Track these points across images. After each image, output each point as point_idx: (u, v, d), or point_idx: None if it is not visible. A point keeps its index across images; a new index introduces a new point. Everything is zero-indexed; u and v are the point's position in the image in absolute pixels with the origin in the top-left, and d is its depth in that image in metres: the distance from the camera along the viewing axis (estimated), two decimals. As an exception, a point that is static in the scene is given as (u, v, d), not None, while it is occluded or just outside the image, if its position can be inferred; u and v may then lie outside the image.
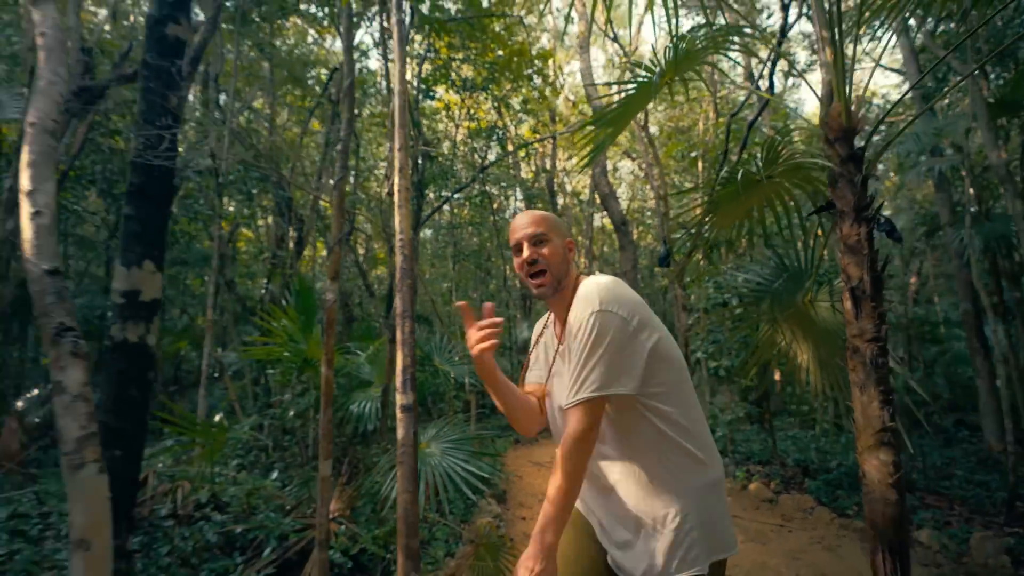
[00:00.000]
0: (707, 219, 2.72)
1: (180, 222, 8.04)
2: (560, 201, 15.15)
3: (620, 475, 1.26)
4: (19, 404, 5.87)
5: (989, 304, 5.71)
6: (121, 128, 7.42)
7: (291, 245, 8.23)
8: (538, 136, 11.14)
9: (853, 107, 1.73)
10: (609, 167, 13.68)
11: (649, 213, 15.97)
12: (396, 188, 2.24)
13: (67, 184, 6.41)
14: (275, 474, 4.53)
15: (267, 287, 9.28)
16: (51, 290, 1.58)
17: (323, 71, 9.24)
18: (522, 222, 1.40)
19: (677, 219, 7.59)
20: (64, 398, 1.51)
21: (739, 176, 2.19)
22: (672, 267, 5.66)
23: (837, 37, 1.77)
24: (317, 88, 8.67)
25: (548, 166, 13.10)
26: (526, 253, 1.36)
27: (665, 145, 11.02)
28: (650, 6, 2.23)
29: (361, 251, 12.29)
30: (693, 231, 2.89)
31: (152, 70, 3.38)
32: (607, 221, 15.90)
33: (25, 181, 1.71)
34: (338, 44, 10.96)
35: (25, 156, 1.76)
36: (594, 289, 1.25)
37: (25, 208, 1.67)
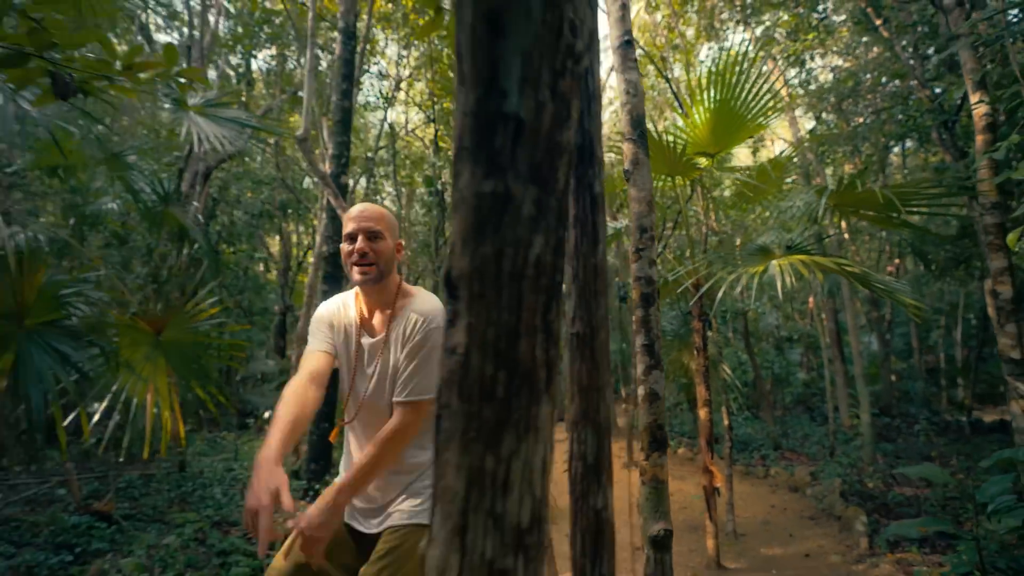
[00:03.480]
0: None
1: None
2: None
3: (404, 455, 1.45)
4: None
5: (854, 323, 8.76)
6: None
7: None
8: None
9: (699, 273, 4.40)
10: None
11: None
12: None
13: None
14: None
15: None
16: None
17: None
18: (361, 214, 1.47)
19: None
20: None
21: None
22: (628, 303, 8.40)
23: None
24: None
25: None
26: (359, 244, 1.44)
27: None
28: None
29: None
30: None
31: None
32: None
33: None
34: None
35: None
36: (436, 306, 1.45)
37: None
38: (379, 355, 1.49)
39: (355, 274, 1.45)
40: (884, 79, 10.20)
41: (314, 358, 1.52)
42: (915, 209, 3.72)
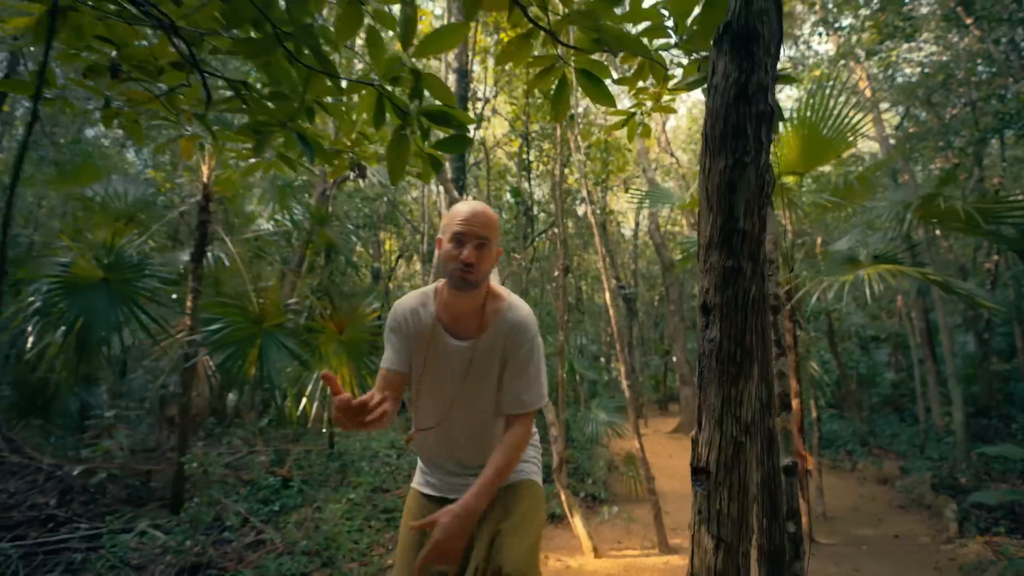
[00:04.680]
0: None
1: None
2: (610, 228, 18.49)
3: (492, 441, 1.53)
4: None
5: (946, 322, 8.77)
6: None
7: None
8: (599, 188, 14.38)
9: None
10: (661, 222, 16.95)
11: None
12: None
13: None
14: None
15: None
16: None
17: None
18: (473, 219, 1.41)
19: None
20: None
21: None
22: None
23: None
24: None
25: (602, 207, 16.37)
26: (467, 252, 1.39)
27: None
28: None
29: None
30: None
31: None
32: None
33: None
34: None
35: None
36: (529, 313, 1.50)
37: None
38: (473, 359, 1.48)
39: (455, 277, 1.40)
40: (978, 68, 9.89)
41: (391, 377, 1.49)
42: (1005, 220, 4.04)
